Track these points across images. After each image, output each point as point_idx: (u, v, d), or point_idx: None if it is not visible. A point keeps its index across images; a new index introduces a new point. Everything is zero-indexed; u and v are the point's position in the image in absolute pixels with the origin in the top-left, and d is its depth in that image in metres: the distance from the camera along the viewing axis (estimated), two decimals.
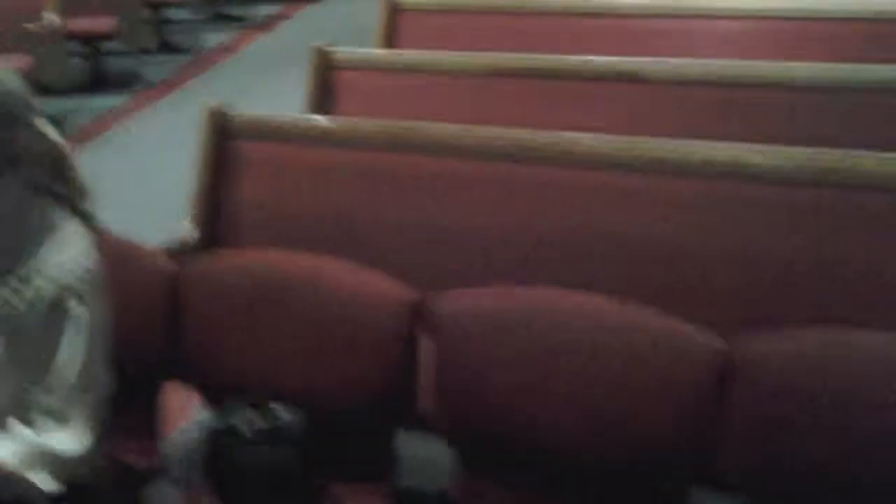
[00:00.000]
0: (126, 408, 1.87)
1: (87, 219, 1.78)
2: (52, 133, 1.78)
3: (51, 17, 5.72)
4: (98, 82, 6.75)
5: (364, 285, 1.93)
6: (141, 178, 4.85)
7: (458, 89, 3.18)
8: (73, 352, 1.68)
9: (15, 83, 1.72)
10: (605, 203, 2.28)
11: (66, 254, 1.70)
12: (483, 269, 2.30)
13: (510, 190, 2.39)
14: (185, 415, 2.23)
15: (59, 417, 1.68)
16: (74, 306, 1.68)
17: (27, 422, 1.69)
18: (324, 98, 3.33)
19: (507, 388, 1.80)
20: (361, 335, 1.89)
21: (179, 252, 2.43)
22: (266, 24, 8.55)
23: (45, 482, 1.66)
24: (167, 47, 7.67)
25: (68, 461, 1.67)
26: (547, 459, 1.79)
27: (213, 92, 6.04)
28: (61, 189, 1.78)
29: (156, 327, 2.01)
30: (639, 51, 3.25)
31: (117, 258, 1.83)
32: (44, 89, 5.72)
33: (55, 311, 1.67)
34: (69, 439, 1.67)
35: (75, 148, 5.27)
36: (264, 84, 6.14)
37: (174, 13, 8.01)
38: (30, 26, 5.52)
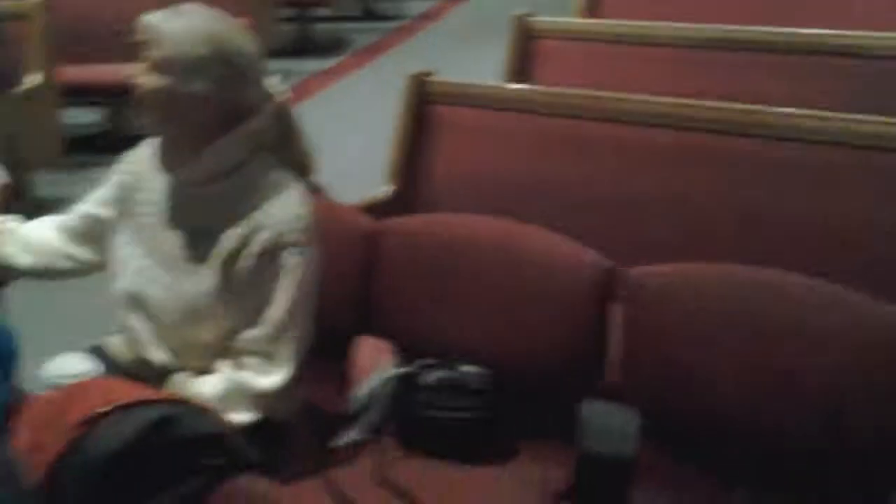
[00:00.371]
0: (322, 357, 1.95)
1: (306, 178, 1.88)
2: (279, 93, 1.86)
3: None
4: (307, 47, 6.99)
5: (557, 251, 1.94)
6: (344, 139, 5.00)
7: (660, 61, 3.12)
8: (283, 296, 1.78)
9: (247, 43, 1.81)
10: (808, 179, 2.20)
11: (286, 210, 1.79)
12: (675, 242, 2.26)
13: (707, 163, 2.33)
14: (377, 367, 2.30)
15: (263, 355, 1.78)
16: (289, 256, 1.78)
17: (232, 358, 1.80)
18: (523, 66, 3.34)
19: (703, 366, 1.77)
20: (553, 301, 1.89)
21: (377, 211, 2.50)
22: None
23: (241, 416, 1.76)
24: (372, 15, 7.86)
25: (266, 395, 1.77)
26: (737, 441, 1.76)
27: (415, 58, 6.15)
28: (284, 148, 1.87)
29: (353, 282, 2.09)
30: (846, 24, 3.09)
31: (320, 214, 1.90)
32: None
33: (272, 259, 1.77)
34: (270, 375, 1.77)
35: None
36: (465, 51, 6.20)
37: None
38: None
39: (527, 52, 3.33)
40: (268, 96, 1.84)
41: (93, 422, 1.29)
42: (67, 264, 1.96)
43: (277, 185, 1.81)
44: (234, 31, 1.80)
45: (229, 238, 1.79)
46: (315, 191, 1.89)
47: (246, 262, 1.78)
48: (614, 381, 1.88)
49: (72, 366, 1.66)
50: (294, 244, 1.78)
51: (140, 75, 1.76)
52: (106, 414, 1.31)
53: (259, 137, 1.83)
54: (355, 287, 2.09)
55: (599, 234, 2.06)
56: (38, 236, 1.95)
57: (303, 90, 6.09)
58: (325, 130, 5.18)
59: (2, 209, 2.23)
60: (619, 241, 2.18)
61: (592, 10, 3.88)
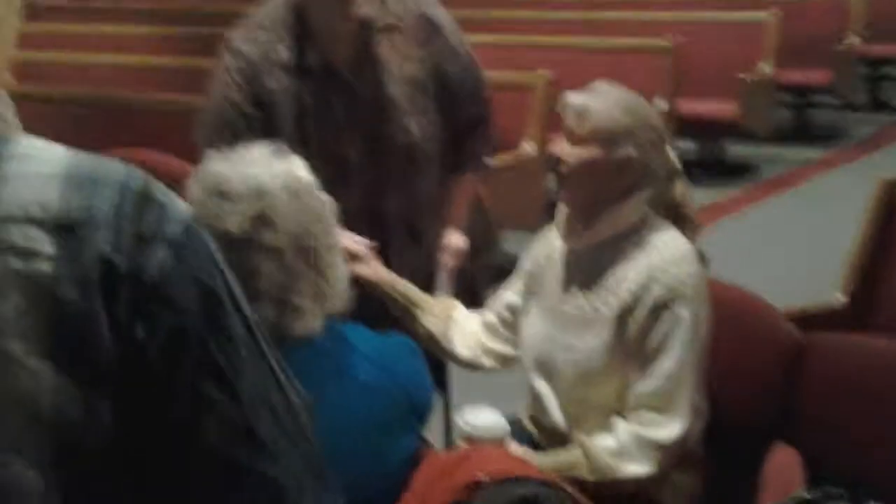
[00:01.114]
0: (732, 461, 1.91)
1: (693, 241, 1.92)
2: (674, 159, 1.94)
3: (764, 67, 5.86)
4: (801, 134, 6.76)
5: None
6: (808, 234, 4.81)
7: None
8: (674, 348, 1.81)
9: (654, 111, 1.92)
10: None
11: (680, 266, 1.85)
12: None
13: None
14: (788, 481, 2.18)
15: (658, 409, 1.82)
16: (681, 310, 1.82)
17: (627, 414, 1.85)
18: None
19: None
20: None
21: (818, 319, 2.38)
22: None
23: (640, 468, 1.81)
24: (879, 104, 7.41)
25: (664, 447, 1.81)
26: None
27: None
28: (676, 210, 1.93)
29: (770, 389, 2.01)
30: None
31: (742, 311, 1.87)
32: (747, 135, 5.91)
33: (664, 312, 1.82)
34: (666, 427, 1.80)
35: (762, 195, 5.33)
36: None
37: (891, 70, 7.65)
38: (743, 75, 5.72)
39: None
40: (668, 162, 1.91)
41: (472, 489, 1.37)
42: (489, 362, 2.11)
43: (669, 244, 1.87)
44: (643, 102, 1.91)
45: (623, 295, 1.84)
46: (701, 258, 1.91)
47: (639, 316, 1.83)
48: None
49: (484, 418, 1.78)
50: (687, 298, 1.81)
51: (565, 151, 1.88)
52: (482, 483, 1.39)
53: (654, 201, 1.90)
54: (771, 394, 2.01)
55: None
56: (471, 330, 2.11)
57: (786, 180, 5.92)
58: (796, 220, 5.02)
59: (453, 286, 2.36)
60: None
61: None
